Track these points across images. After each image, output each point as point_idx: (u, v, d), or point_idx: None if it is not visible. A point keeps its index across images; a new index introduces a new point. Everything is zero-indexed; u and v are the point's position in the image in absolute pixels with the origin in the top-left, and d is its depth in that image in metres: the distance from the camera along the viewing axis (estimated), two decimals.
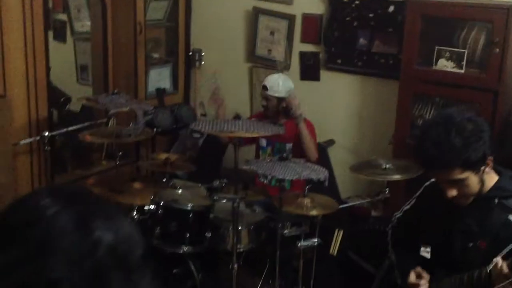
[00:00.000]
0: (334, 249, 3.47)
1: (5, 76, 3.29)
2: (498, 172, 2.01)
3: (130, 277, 0.87)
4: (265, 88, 3.79)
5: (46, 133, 3.17)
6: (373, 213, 3.89)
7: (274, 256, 3.20)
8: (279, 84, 3.76)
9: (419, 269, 2.13)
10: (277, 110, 3.79)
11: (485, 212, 1.97)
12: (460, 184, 1.96)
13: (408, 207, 2.27)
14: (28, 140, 3.27)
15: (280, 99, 3.77)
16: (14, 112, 3.20)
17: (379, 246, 3.40)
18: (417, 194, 2.24)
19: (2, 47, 3.26)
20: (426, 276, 2.11)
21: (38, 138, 3.22)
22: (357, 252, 3.63)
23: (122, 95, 3.45)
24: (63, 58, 4.83)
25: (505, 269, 1.74)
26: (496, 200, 1.94)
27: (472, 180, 1.95)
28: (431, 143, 1.94)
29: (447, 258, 2.03)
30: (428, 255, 2.14)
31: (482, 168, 1.95)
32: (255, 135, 3.02)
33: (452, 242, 2.03)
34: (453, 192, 1.98)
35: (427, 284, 2.10)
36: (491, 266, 1.78)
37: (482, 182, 1.98)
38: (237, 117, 2.90)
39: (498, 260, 1.77)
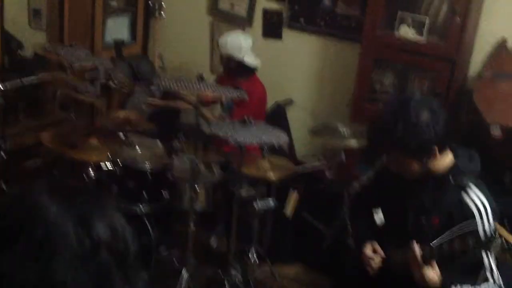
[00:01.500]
0: (288, 209, 3.54)
1: None
2: (453, 151, 2.06)
3: (127, 274, 0.87)
4: (217, 44, 3.75)
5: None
6: (328, 174, 3.96)
7: (230, 215, 3.24)
8: (227, 43, 3.69)
9: (376, 245, 2.19)
10: (229, 68, 3.74)
11: (439, 190, 2.03)
12: (402, 164, 2.03)
13: (365, 180, 2.32)
14: None
15: (227, 57, 3.70)
16: None
17: (332, 206, 3.51)
18: (375, 168, 2.29)
19: None
20: (381, 253, 2.18)
21: None
22: (311, 212, 3.72)
23: (80, 48, 3.34)
24: (14, 0, 4.61)
25: (417, 254, 1.88)
26: (451, 179, 2.00)
27: (414, 165, 2.01)
28: (378, 124, 2.03)
29: (401, 231, 2.10)
30: (379, 220, 2.22)
31: (426, 157, 1.99)
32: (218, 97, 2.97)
33: (406, 216, 2.09)
34: (394, 168, 2.07)
35: (380, 262, 2.17)
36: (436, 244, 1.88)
37: (426, 168, 2.02)
38: (200, 77, 2.86)
39: (414, 245, 1.88)
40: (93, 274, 0.83)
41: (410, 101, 1.98)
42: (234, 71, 3.73)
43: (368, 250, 2.18)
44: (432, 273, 1.92)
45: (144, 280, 0.91)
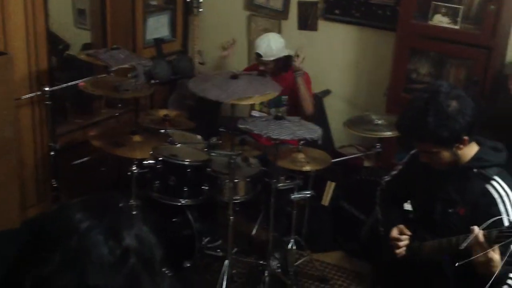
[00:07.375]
0: (325, 199, 3.61)
1: (6, 31, 3.32)
2: (478, 143, 2.10)
3: (154, 279, 0.98)
4: (258, 55, 3.77)
5: (47, 88, 3.22)
6: (366, 163, 4.01)
7: (269, 205, 3.34)
8: (272, 48, 3.76)
9: (401, 226, 2.26)
10: (278, 68, 3.83)
11: (464, 181, 2.07)
12: (432, 154, 2.07)
13: (396, 172, 2.39)
14: (29, 95, 3.33)
15: (277, 60, 3.79)
16: (15, 66, 3.24)
17: (371, 195, 3.56)
18: (404, 160, 2.35)
19: (2, 1, 3.27)
20: (407, 232, 2.24)
21: (39, 93, 3.28)
22: (349, 201, 3.78)
23: (122, 50, 3.48)
24: (59, 1, 4.80)
25: (481, 238, 1.85)
26: (475, 170, 2.05)
27: (444, 154, 2.05)
28: (408, 117, 2.05)
29: (429, 222, 2.16)
30: (409, 210, 2.28)
31: (456, 145, 2.03)
32: (253, 101, 3.04)
33: (433, 207, 2.14)
34: (424, 159, 2.11)
35: (407, 241, 2.23)
36: (469, 237, 1.89)
37: (455, 156, 2.06)
38: (234, 76, 2.95)
39: (475, 228, 1.88)
40: (123, 279, 0.94)
41: (439, 92, 2.01)
42: (281, 66, 3.83)
43: (394, 233, 2.24)
44: (497, 256, 1.84)
45: (170, 285, 1.02)
